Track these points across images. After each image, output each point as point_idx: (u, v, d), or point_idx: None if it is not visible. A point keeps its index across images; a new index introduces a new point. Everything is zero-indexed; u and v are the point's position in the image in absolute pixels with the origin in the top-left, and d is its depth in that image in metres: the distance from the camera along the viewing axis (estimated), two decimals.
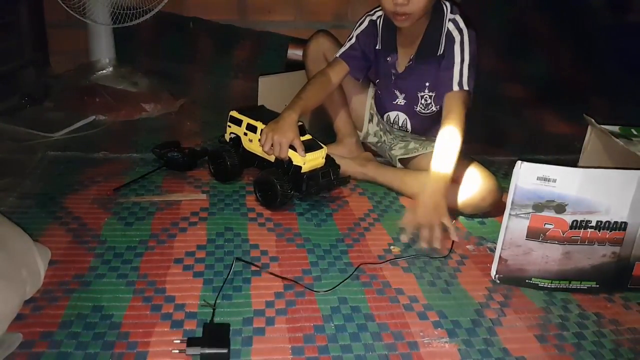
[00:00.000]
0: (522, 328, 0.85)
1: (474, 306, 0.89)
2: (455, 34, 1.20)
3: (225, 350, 0.73)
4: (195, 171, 1.34)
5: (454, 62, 1.19)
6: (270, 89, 1.59)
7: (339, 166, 1.24)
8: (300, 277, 0.94)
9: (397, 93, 1.33)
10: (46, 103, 1.75)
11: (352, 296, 0.89)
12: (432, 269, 0.99)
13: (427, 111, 1.30)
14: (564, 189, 0.88)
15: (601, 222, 0.90)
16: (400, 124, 1.37)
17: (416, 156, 1.34)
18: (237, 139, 1.29)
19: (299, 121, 1.20)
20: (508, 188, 0.91)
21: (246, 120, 1.26)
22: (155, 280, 0.90)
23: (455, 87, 1.18)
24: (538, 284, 0.94)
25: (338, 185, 1.25)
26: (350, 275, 0.95)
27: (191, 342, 0.74)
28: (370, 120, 1.47)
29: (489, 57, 2.08)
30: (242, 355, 0.75)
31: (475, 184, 1.17)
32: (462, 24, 1.20)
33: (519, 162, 0.89)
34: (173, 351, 0.74)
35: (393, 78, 1.32)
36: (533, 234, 0.91)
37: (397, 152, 1.39)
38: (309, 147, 1.18)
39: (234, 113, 1.29)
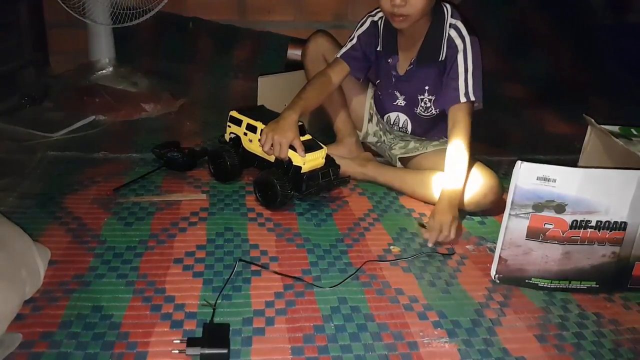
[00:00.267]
0: (522, 328, 0.84)
1: (473, 306, 0.89)
2: (458, 42, 1.20)
3: (225, 351, 0.73)
4: (195, 171, 1.34)
5: (458, 73, 1.19)
6: (270, 89, 1.59)
7: (338, 166, 1.24)
8: (300, 277, 0.94)
9: (398, 94, 1.33)
10: (46, 103, 1.76)
11: (352, 296, 0.89)
12: (432, 269, 0.99)
13: (427, 114, 1.30)
14: (563, 189, 0.88)
15: (601, 222, 0.90)
16: (400, 125, 1.37)
17: (416, 155, 1.34)
18: (237, 139, 1.29)
19: (298, 121, 1.20)
20: (508, 188, 0.91)
21: (246, 120, 1.26)
22: (155, 280, 0.90)
23: (462, 99, 1.19)
24: (538, 284, 0.94)
25: (338, 185, 1.25)
26: (356, 271, 0.95)
27: (191, 342, 0.74)
28: (370, 120, 1.47)
29: (489, 57, 2.08)
30: (242, 355, 0.75)
31: (477, 181, 1.17)
32: (464, 31, 1.20)
33: (518, 162, 0.89)
34: (173, 351, 0.74)
35: (393, 80, 1.32)
36: (533, 234, 0.91)
37: (397, 151, 1.39)
38: (309, 147, 1.18)
39: (233, 113, 1.29)
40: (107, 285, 0.88)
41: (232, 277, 0.92)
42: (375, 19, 1.32)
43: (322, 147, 1.21)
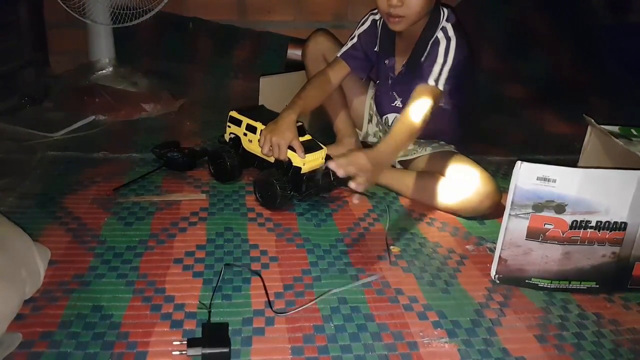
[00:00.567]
0: (521, 328, 0.84)
1: (473, 306, 0.89)
2: (441, 37, 1.19)
3: (226, 350, 0.73)
4: (195, 171, 1.34)
5: (435, 61, 1.17)
6: (272, 90, 1.59)
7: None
8: (299, 277, 0.94)
9: (395, 95, 1.33)
10: (46, 103, 1.75)
11: (351, 296, 0.89)
12: (431, 269, 0.99)
13: None
14: (563, 189, 0.88)
15: (601, 222, 0.90)
16: None
17: (415, 158, 1.34)
18: (236, 139, 1.29)
19: (298, 121, 1.20)
20: (508, 188, 0.91)
21: (246, 120, 1.26)
22: (154, 280, 0.90)
23: (431, 82, 1.15)
24: (538, 284, 0.94)
25: (338, 186, 1.25)
26: (367, 279, 0.95)
27: (191, 342, 0.74)
28: (370, 121, 1.47)
29: (489, 57, 2.09)
30: (241, 355, 0.75)
31: (473, 187, 1.16)
32: (451, 32, 1.19)
33: (518, 162, 0.89)
34: (174, 353, 0.74)
35: (390, 81, 1.32)
36: (533, 234, 0.91)
37: None
38: (309, 147, 1.18)
39: (233, 113, 1.29)
40: (107, 285, 0.88)
41: (231, 277, 0.92)
42: (376, 17, 1.31)
43: (322, 148, 1.20)
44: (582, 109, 1.47)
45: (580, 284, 0.94)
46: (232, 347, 0.74)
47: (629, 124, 1.34)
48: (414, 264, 1.01)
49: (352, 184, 0.96)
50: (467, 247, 1.08)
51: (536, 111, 1.98)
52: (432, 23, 1.21)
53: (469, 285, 0.95)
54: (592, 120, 1.36)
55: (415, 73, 1.22)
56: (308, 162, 1.17)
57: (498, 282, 0.95)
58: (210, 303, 0.85)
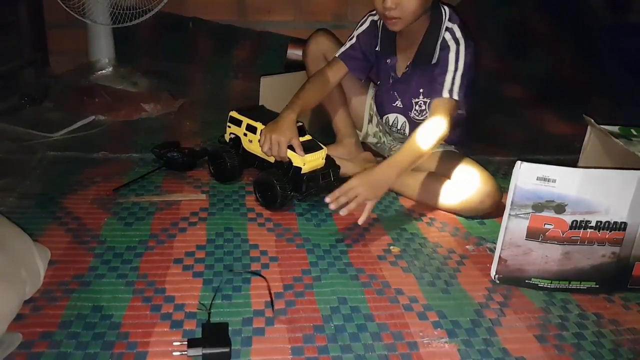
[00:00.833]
0: (521, 328, 0.84)
1: (473, 306, 0.89)
2: (451, 43, 1.19)
3: (227, 349, 0.73)
4: (195, 171, 1.34)
5: (447, 70, 1.18)
6: (272, 90, 1.58)
7: (339, 167, 1.24)
8: (299, 277, 0.94)
9: (396, 95, 1.33)
10: (46, 103, 1.76)
11: (351, 296, 0.89)
12: (431, 269, 0.99)
13: (421, 117, 1.30)
14: (563, 189, 0.88)
15: (601, 222, 0.90)
16: (399, 127, 1.36)
17: None
18: (237, 140, 1.29)
19: (298, 121, 1.20)
20: (508, 188, 0.91)
21: (246, 120, 1.26)
22: (154, 280, 0.90)
23: (445, 94, 1.17)
24: (538, 284, 0.94)
25: (338, 186, 1.25)
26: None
27: (192, 343, 0.74)
28: (370, 121, 1.47)
29: (489, 57, 2.08)
30: (241, 355, 0.75)
31: (473, 187, 1.17)
32: (459, 34, 1.19)
33: (518, 162, 0.89)
34: (174, 353, 0.74)
35: (391, 81, 1.32)
36: (533, 234, 0.91)
37: None
38: (309, 147, 1.18)
39: (233, 113, 1.29)
40: (107, 285, 0.88)
41: (230, 277, 0.92)
42: (376, 18, 1.31)
43: (322, 148, 1.20)
44: (582, 109, 1.48)
45: (580, 284, 0.94)
46: (232, 347, 0.74)
47: (629, 124, 1.34)
48: (414, 264, 1.01)
49: (351, 205, 1.03)
50: (467, 247, 1.08)
51: (536, 111, 1.98)
52: (435, 23, 1.21)
53: (469, 285, 0.95)
54: (592, 120, 1.36)
55: (424, 75, 1.23)
56: (308, 162, 1.17)
57: (498, 282, 0.95)
58: (211, 304, 0.85)
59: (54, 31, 2.01)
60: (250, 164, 1.28)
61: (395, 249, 1.05)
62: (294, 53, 1.98)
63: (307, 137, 1.21)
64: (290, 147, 1.17)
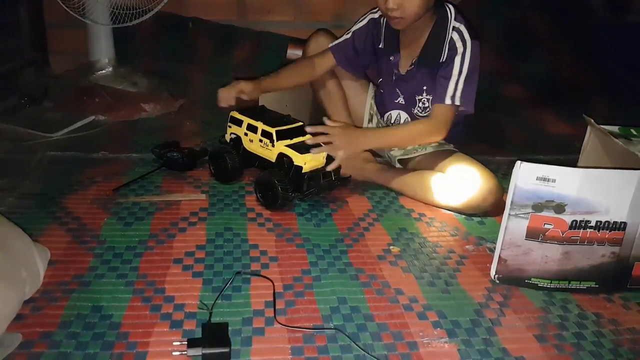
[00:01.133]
0: (521, 328, 0.84)
1: (473, 306, 0.89)
2: (459, 45, 1.20)
3: (227, 349, 0.73)
4: (195, 171, 1.34)
5: (451, 74, 1.20)
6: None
7: (339, 166, 1.24)
8: (299, 277, 0.94)
9: (398, 92, 1.33)
10: (46, 103, 1.76)
11: (351, 296, 0.89)
12: (431, 269, 0.99)
13: (424, 114, 1.30)
14: (563, 189, 0.88)
15: (600, 222, 0.90)
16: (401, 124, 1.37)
17: (415, 157, 1.34)
18: (237, 140, 1.29)
19: (298, 121, 1.20)
20: (508, 188, 0.91)
21: (247, 120, 1.26)
22: (154, 280, 0.90)
23: (448, 101, 1.21)
24: (537, 284, 0.94)
25: (339, 185, 1.25)
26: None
27: (192, 343, 0.74)
28: (370, 121, 1.47)
29: (489, 57, 2.08)
30: (241, 355, 0.75)
31: (476, 184, 1.17)
32: (466, 35, 1.20)
33: (518, 162, 0.89)
34: (174, 353, 0.74)
35: (394, 78, 1.32)
36: (532, 234, 0.91)
37: (397, 152, 1.39)
38: (310, 147, 1.18)
39: (234, 113, 1.29)
40: (106, 285, 0.88)
41: (225, 280, 0.91)
42: (376, 16, 1.32)
43: (322, 147, 1.20)
44: (582, 109, 1.48)
45: (580, 283, 0.94)
46: (232, 347, 0.74)
47: (629, 124, 1.34)
48: (413, 264, 1.01)
49: (323, 149, 1.14)
50: (467, 247, 1.08)
51: (536, 111, 1.98)
52: (441, 21, 1.22)
53: (469, 285, 0.95)
54: (592, 120, 1.36)
55: (429, 73, 1.25)
56: (309, 162, 1.17)
57: (498, 282, 0.95)
58: (213, 304, 0.84)
59: (54, 31, 2.01)
60: (251, 163, 1.28)
61: (395, 249, 1.05)
62: (294, 53, 1.97)
63: (308, 137, 1.21)
64: (290, 147, 1.17)
